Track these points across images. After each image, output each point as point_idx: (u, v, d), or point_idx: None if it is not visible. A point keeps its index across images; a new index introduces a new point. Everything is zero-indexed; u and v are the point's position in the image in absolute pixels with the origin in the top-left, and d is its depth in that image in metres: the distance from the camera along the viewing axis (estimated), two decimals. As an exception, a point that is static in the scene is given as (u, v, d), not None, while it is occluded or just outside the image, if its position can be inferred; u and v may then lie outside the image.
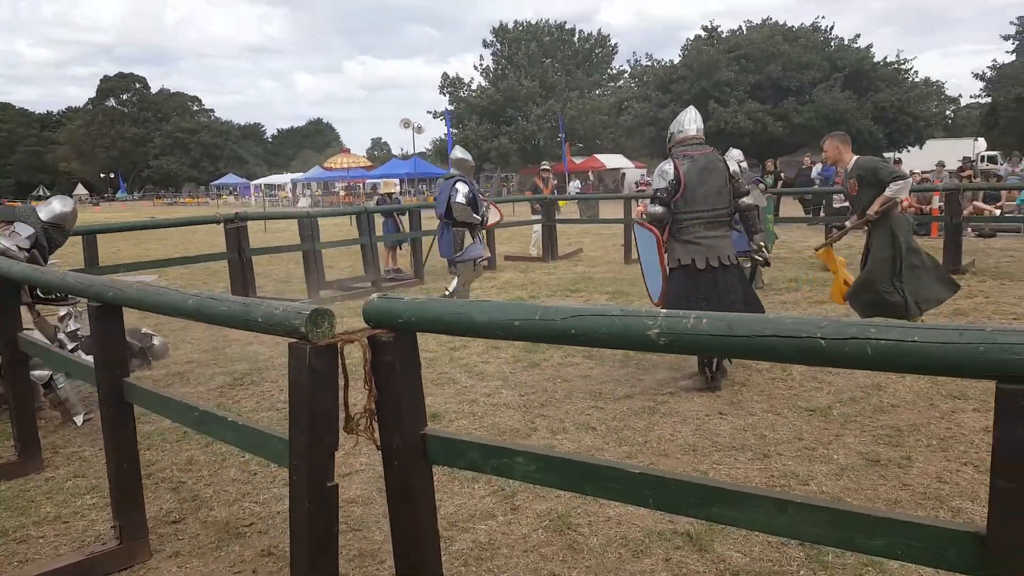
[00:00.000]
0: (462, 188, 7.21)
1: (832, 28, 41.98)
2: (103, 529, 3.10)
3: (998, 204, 15.41)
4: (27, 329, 4.18)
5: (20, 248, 4.58)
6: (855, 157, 5.63)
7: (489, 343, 6.24)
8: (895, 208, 5.44)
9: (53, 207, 5.05)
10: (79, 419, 4.53)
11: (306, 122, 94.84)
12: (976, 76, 42.76)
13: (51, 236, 4.92)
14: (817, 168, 17.55)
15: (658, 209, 4.94)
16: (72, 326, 5.11)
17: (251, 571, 2.79)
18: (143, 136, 77.33)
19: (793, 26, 41.81)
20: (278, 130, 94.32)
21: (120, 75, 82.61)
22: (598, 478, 1.78)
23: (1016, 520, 1.28)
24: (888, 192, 5.27)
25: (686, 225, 4.92)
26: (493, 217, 8.88)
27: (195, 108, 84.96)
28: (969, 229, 14.44)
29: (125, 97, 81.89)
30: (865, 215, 5.45)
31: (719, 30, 42.66)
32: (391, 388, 1.98)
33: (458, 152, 7.78)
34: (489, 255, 8.93)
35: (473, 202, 7.24)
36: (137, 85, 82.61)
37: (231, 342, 6.69)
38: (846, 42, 41.07)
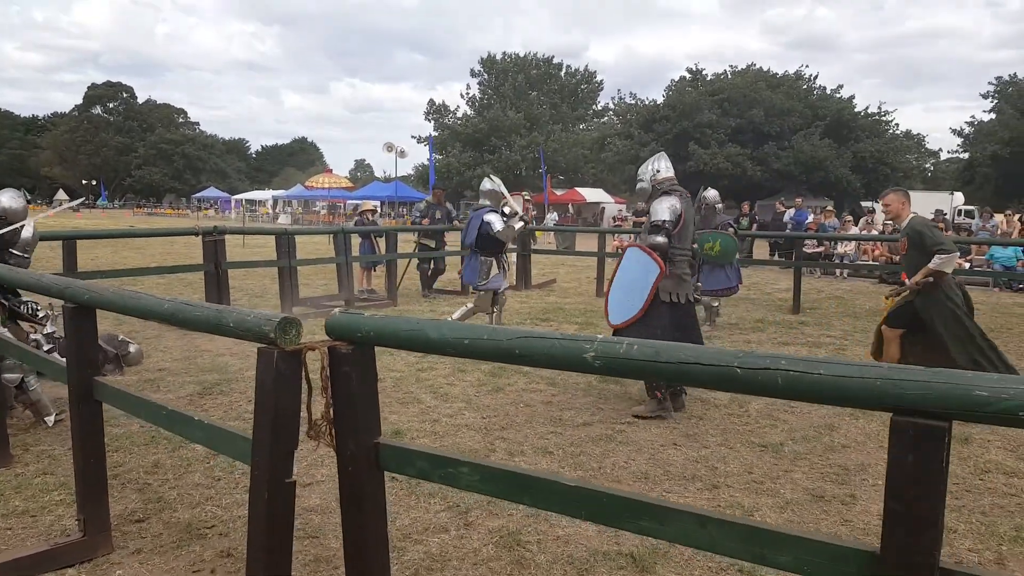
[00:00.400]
0: (495, 218, 7.46)
1: (816, 77, 43.16)
2: (69, 524, 3.16)
3: (968, 257, 15.92)
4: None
5: None
6: (912, 215, 5.62)
7: (456, 366, 6.35)
8: (942, 278, 5.40)
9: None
10: (50, 420, 4.56)
11: (291, 140, 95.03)
12: (954, 132, 44.13)
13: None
14: (790, 213, 17.99)
15: (664, 241, 5.14)
16: (49, 328, 5.14)
17: (210, 571, 2.86)
18: (127, 145, 76.88)
19: (777, 73, 42.96)
20: (262, 146, 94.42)
21: (107, 83, 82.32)
22: (536, 489, 1.90)
23: (904, 538, 1.43)
24: (932, 265, 5.30)
25: (677, 261, 5.19)
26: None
27: (180, 120, 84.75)
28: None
29: (111, 106, 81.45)
30: (912, 281, 5.48)
31: (703, 73, 43.69)
32: (348, 397, 2.10)
33: (487, 184, 8.04)
34: (510, 285, 8.99)
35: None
36: (124, 94, 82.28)
37: (202, 352, 6.73)
38: (828, 91, 42.22)
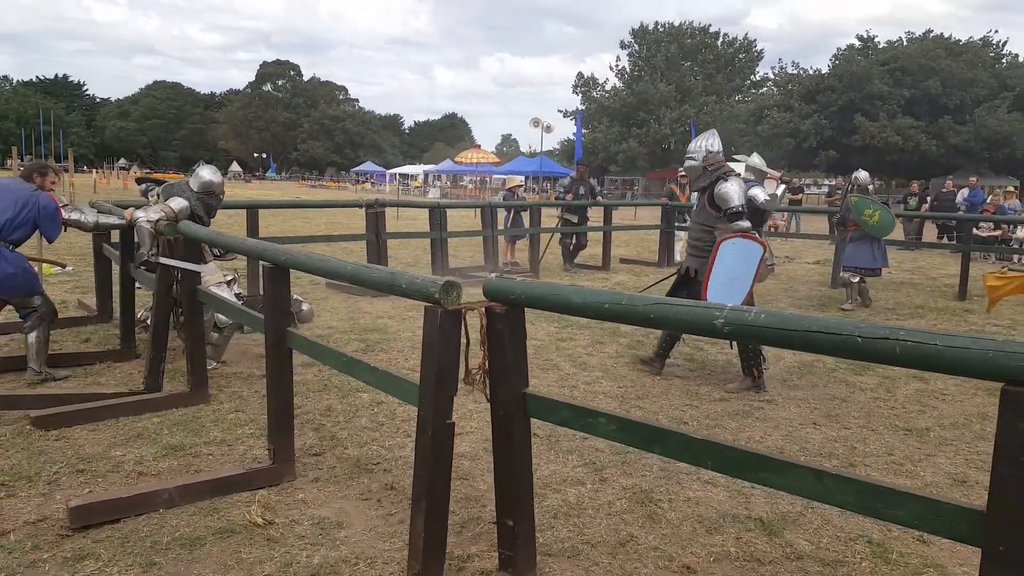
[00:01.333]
0: (759, 192, 7.84)
1: (1005, 43, 38.92)
2: (259, 453, 3.73)
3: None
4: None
5: (168, 215, 5.20)
6: None
7: (595, 338, 6.59)
8: None
9: (202, 176, 5.66)
10: (212, 363, 5.17)
11: (441, 116, 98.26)
12: None
13: (206, 203, 5.64)
14: (963, 193, 16.53)
15: (748, 224, 5.23)
16: (236, 289, 5.92)
17: (376, 500, 3.31)
18: (293, 121, 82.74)
19: (960, 39, 39.05)
20: (415, 122, 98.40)
21: (277, 62, 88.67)
22: (667, 440, 2.12)
23: (1011, 500, 1.52)
24: None
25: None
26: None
27: (341, 97, 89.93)
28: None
29: (280, 83, 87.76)
30: None
31: (875, 40, 40.54)
32: (501, 352, 2.41)
33: (754, 159, 8.39)
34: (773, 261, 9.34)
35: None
36: (292, 72, 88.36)
37: (364, 314, 7.41)
38: (1021, 59, 37.88)
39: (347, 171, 73.74)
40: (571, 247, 11.62)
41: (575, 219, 11.56)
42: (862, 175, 8.98)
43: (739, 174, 5.50)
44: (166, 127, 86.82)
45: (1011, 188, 19.44)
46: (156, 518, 3.08)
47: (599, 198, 12.02)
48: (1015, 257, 14.48)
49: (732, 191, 5.20)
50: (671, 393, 5.06)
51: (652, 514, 3.22)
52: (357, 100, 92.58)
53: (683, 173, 14.68)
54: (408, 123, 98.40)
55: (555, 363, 5.77)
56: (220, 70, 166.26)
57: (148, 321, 5.41)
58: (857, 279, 8.69)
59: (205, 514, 3.14)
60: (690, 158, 5.55)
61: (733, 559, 2.87)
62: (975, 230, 14.98)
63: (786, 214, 19.27)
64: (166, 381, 4.78)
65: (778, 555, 2.90)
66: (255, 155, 79.85)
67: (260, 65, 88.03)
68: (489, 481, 3.48)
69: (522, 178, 19.42)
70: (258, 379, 5.13)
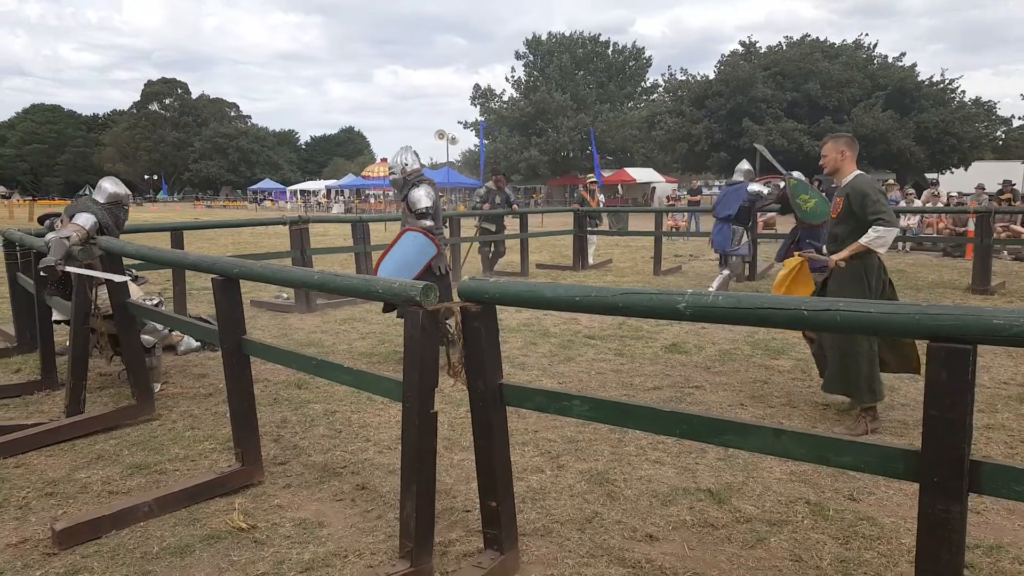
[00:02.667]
0: (760, 187, 8.52)
1: (875, 46, 41.95)
2: (225, 466, 3.74)
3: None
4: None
5: (80, 235, 4.98)
6: (856, 173, 4.53)
7: (528, 340, 6.84)
8: (870, 256, 4.35)
9: (106, 189, 5.53)
10: (156, 387, 5.10)
11: (338, 130, 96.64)
12: (995, 102, 42.38)
13: (115, 214, 5.48)
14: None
15: (432, 223, 5.94)
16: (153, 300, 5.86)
17: (351, 500, 3.41)
18: (183, 140, 79.56)
19: (834, 43, 41.88)
20: (311, 137, 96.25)
21: (163, 80, 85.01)
22: (637, 416, 2.36)
23: (940, 439, 1.84)
24: (864, 240, 4.26)
25: (438, 238, 6.00)
26: None
27: (232, 114, 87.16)
28: (1005, 252, 14.70)
29: (167, 102, 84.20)
30: (836, 257, 4.41)
31: (756, 45, 42.91)
32: (477, 347, 2.60)
33: (745, 165, 9.32)
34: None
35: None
36: (179, 90, 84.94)
37: (296, 330, 7.41)
38: (890, 60, 41.00)
39: (243, 189, 71.50)
40: (490, 255, 11.86)
41: (493, 228, 11.81)
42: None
43: (431, 182, 6.13)
44: (47, 152, 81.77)
45: (890, 181, 21.17)
46: (139, 531, 3.11)
47: (515, 206, 12.31)
48: (899, 244, 15.83)
49: (421, 195, 5.95)
50: (607, 386, 5.35)
51: (611, 493, 3.46)
52: (249, 116, 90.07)
53: (592, 179, 15.25)
54: (304, 138, 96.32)
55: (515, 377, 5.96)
56: (99, 91, 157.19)
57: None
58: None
59: (187, 524, 3.18)
60: (392, 172, 6.23)
61: (689, 526, 3.15)
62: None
63: (686, 214, 20.25)
64: (111, 400, 4.71)
65: (729, 520, 3.20)
66: (145, 177, 76.16)
67: (144, 84, 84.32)
68: (455, 475, 3.66)
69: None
70: (205, 397, 5.09)
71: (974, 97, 40.11)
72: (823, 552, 2.90)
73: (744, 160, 9.42)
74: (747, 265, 10.93)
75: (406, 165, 6.12)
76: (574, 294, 2.40)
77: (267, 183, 65.97)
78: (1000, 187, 17.94)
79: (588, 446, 4.07)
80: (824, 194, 8.50)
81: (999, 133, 47.71)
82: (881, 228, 4.23)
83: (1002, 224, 15.38)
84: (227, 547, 2.99)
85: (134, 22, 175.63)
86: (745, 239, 9.39)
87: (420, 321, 2.52)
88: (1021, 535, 3.06)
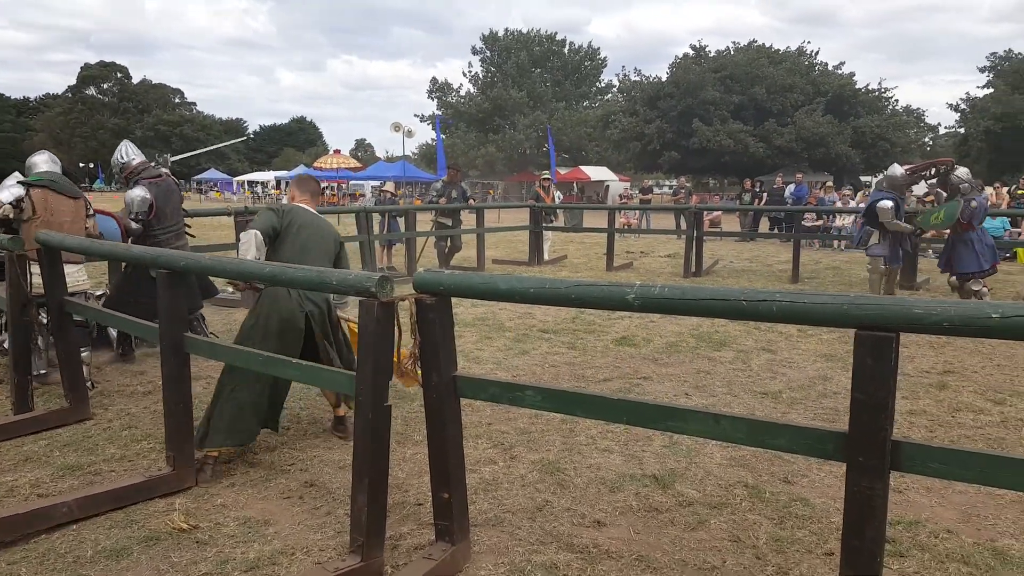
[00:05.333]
0: (888, 206, 8.38)
1: (817, 53, 43.21)
2: (163, 466, 3.68)
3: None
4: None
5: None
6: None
7: (483, 334, 6.89)
8: None
9: (37, 164, 5.30)
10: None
11: (289, 120, 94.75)
12: (950, 107, 44.25)
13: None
14: (790, 189, 18.41)
15: (137, 227, 5.62)
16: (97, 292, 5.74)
17: (299, 497, 3.41)
18: (123, 127, 76.37)
19: (779, 49, 43.01)
20: (260, 126, 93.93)
21: (101, 63, 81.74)
22: (586, 404, 2.44)
23: (865, 421, 1.96)
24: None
25: (162, 240, 5.67)
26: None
27: (176, 100, 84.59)
28: (931, 251, 15.37)
29: (106, 86, 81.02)
30: None
31: (706, 49, 43.76)
32: (432, 339, 2.64)
33: (895, 169, 9.09)
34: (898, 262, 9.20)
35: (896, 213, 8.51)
36: (118, 75, 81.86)
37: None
38: (830, 67, 42.32)
39: (187, 179, 69.64)
40: (446, 250, 11.86)
41: (449, 222, 11.82)
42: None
43: (156, 178, 5.75)
44: (-30, 136, 77.96)
45: (829, 183, 21.84)
46: (72, 535, 3.03)
47: (470, 201, 12.34)
48: (834, 243, 16.39)
49: (133, 196, 5.56)
50: (560, 378, 5.45)
51: (561, 481, 3.55)
52: (194, 104, 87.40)
53: (546, 176, 15.40)
54: (253, 127, 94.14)
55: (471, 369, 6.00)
56: (30, 72, 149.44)
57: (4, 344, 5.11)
58: (980, 287, 8.42)
59: (123, 526, 3.11)
60: (115, 171, 5.91)
61: (635, 511, 3.25)
62: (801, 221, 16.75)
63: (638, 212, 20.58)
64: (42, 402, 4.57)
65: (672, 504, 3.32)
66: (80, 165, 73.31)
67: (82, 67, 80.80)
68: (407, 469, 3.69)
69: (393, 183, 19.42)
70: (143, 395, 5.00)
71: (905, 105, 41.86)
72: (759, 532, 3.04)
73: (895, 164, 9.33)
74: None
75: (125, 163, 5.74)
76: (528, 286, 2.46)
77: (212, 173, 64.30)
78: (926, 190, 18.67)
79: (540, 437, 4.15)
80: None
81: (927, 139, 49.70)
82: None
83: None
84: (167, 548, 2.93)
85: (71, 1, 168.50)
86: (875, 240, 8.68)
87: (374, 313, 2.55)
88: (938, 511, 3.26)
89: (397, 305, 2.61)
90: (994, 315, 1.80)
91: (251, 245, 3.64)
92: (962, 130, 44.46)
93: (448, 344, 2.66)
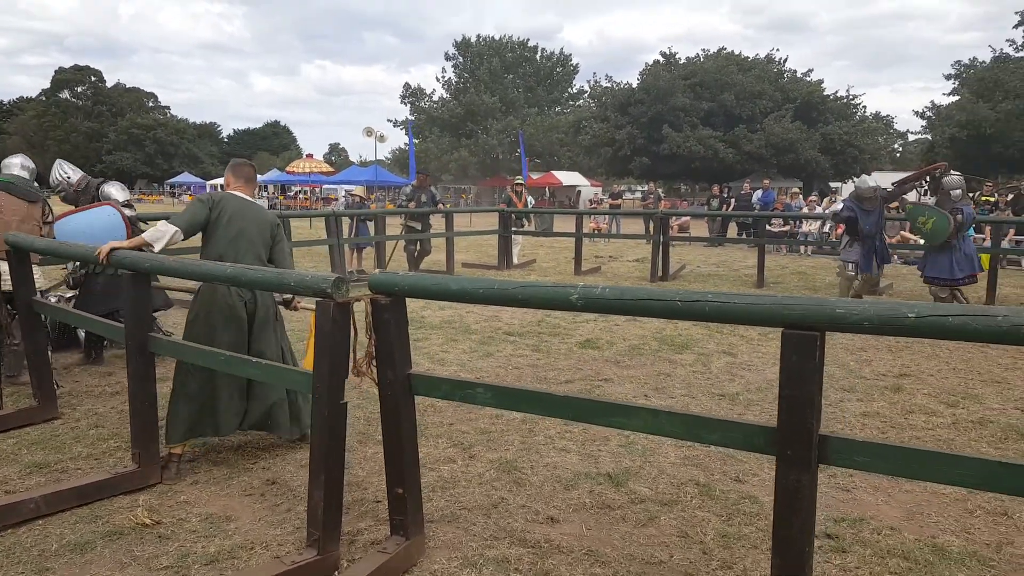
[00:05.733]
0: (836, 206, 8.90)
1: (786, 60, 43.97)
2: (121, 469, 3.70)
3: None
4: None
5: None
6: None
7: (449, 337, 6.96)
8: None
9: (11, 165, 5.40)
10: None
11: (263, 124, 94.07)
12: (916, 113, 45.21)
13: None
14: (758, 194, 18.73)
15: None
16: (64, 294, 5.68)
17: (260, 494, 3.45)
18: (97, 131, 75.63)
19: (748, 56, 43.70)
20: (234, 131, 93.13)
21: (75, 67, 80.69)
22: (535, 400, 2.53)
23: (793, 416, 2.07)
24: None
25: None
26: None
27: (151, 104, 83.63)
28: (896, 256, 15.75)
29: (80, 90, 79.93)
30: None
31: (676, 56, 44.30)
32: (387, 338, 2.71)
33: (863, 181, 9.21)
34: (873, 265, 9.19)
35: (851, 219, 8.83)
36: (92, 78, 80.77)
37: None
38: (799, 75, 43.08)
39: (160, 183, 68.72)
40: (416, 253, 11.91)
41: (419, 226, 11.87)
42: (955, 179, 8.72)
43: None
44: (-58, 140, 76.16)
45: (796, 189, 22.26)
46: (38, 529, 3.06)
47: (439, 205, 12.40)
48: (801, 248, 16.72)
49: (115, 190, 5.91)
50: (523, 380, 5.53)
51: (517, 480, 3.63)
52: (168, 108, 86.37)
53: (519, 181, 15.53)
54: (227, 131, 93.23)
55: (414, 360, 6.04)
56: (3, 76, 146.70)
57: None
58: (946, 294, 8.36)
59: (88, 521, 3.15)
60: (60, 190, 6.07)
61: (588, 508, 3.35)
62: (768, 226, 17.08)
63: (607, 217, 20.77)
64: (11, 401, 4.57)
65: (625, 501, 3.42)
66: (53, 169, 71.92)
67: (55, 71, 79.62)
68: (367, 468, 3.75)
69: (364, 188, 19.42)
70: (110, 395, 5.00)
71: (874, 112, 42.70)
72: (707, 528, 3.14)
73: (864, 175, 9.50)
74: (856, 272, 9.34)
75: (68, 178, 5.98)
76: (478, 287, 2.54)
77: (185, 176, 63.59)
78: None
79: (500, 437, 4.23)
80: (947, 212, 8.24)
81: (896, 146, 50.83)
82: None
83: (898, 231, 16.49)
84: (129, 543, 2.98)
85: (45, 4, 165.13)
86: (844, 245, 9.10)
87: (331, 313, 2.61)
88: (883, 510, 3.39)
89: (353, 306, 2.67)
90: (910, 315, 1.92)
91: (164, 237, 3.57)
92: (928, 137, 45.47)
93: (403, 343, 2.74)
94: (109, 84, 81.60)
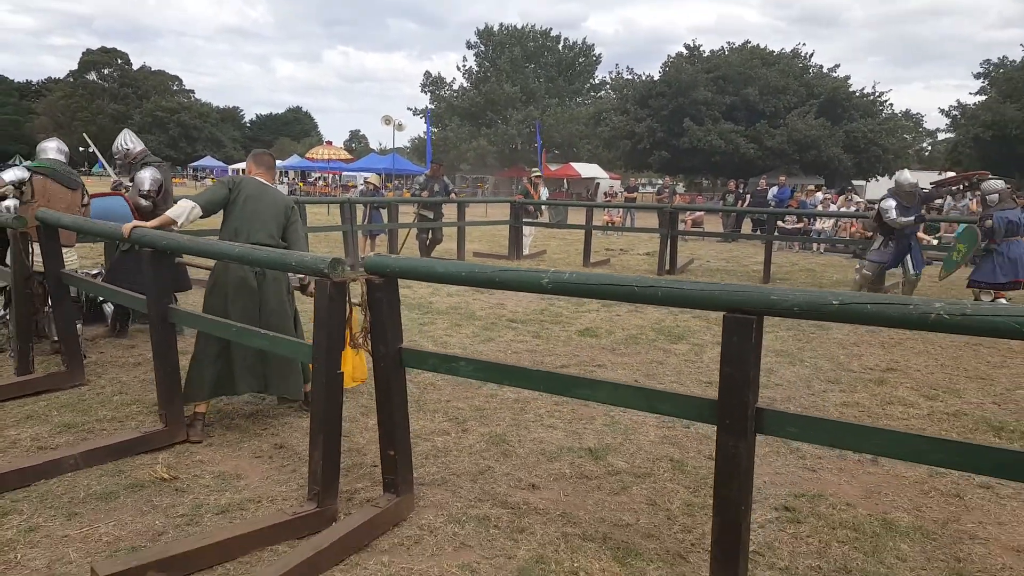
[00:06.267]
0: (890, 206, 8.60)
1: (812, 55, 43.55)
2: (150, 428, 4.05)
3: (938, 234, 16.79)
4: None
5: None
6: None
7: (454, 323, 7.26)
8: None
9: (47, 149, 5.77)
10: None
11: (285, 109, 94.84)
12: (942, 112, 44.73)
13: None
14: (773, 191, 18.81)
15: (148, 204, 5.89)
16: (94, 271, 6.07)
17: (268, 457, 3.78)
18: (122, 112, 76.66)
19: (773, 51, 43.39)
20: (256, 115, 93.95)
21: (103, 49, 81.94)
22: (512, 374, 2.81)
23: (732, 390, 2.32)
24: None
25: None
26: None
27: (175, 88, 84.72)
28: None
29: (106, 72, 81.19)
30: None
31: (700, 49, 44.10)
32: (380, 315, 2.99)
33: (902, 176, 9.01)
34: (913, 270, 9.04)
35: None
36: (119, 61, 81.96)
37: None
38: (824, 70, 42.72)
39: (183, 166, 69.71)
40: (427, 242, 12.21)
41: (431, 215, 12.17)
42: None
43: (160, 164, 6.20)
44: (-27, 118, 77.83)
45: (812, 186, 22.27)
46: (67, 480, 3.40)
47: (452, 195, 12.69)
48: (814, 245, 16.82)
49: (145, 176, 5.98)
50: (520, 363, 5.81)
51: (505, 451, 3.92)
52: (192, 91, 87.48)
53: (536, 172, 15.78)
54: (249, 116, 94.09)
55: (418, 344, 6.35)
56: (32, 56, 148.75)
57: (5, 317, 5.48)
58: (990, 299, 8.27)
59: (112, 475, 3.49)
60: (117, 159, 6.34)
61: (567, 478, 3.63)
62: (781, 223, 17.19)
63: (621, 210, 20.95)
64: (42, 368, 4.96)
65: (602, 472, 3.69)
66: (80, 149, 73.29)
67: (83, 52, 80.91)
68: (367, 437, 4.06)
69: (378, 176, 19.77)
70: (133, 366, 5.35)
71: (904, 109, 42.15)
72: (675, 498, 3.41)
73: (906, 170, 9.18)
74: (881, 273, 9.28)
75: (128, 150, 6.20)
76: (461, 270, 2.83)
77: (208, 160, 64.44)
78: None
79: (493, 414, 4.52)
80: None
81: (926, 144, 50.25)
82: None
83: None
84: (149, 494, 3.32)
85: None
86: (877, 246, 8.88)
87: (328, 291, 2.90)
88: (843, 488, 3.64)
89: (349, 284, 2.96)
90: (834, 302, 2.17)
91: (185, 213, 3.95)
92: (952, 136, 44.98)
93: (395, 320, 3.02)
94: (135, 67, 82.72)
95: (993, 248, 8.40)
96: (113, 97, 78.25)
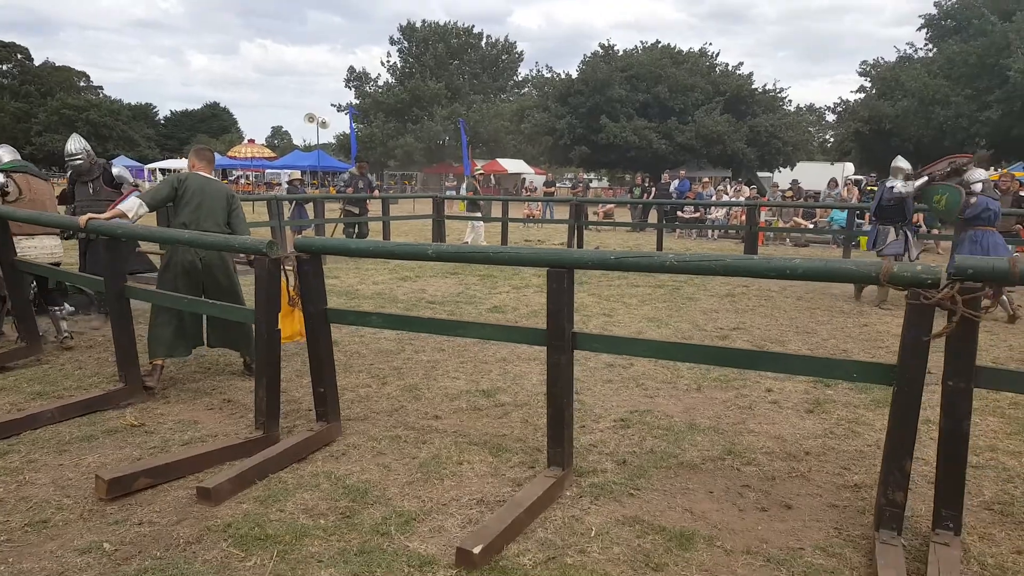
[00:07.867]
0: (897, 183, 8.73)
1: (718, 54, 46.06)
2: (111, 388, 4.84)
3: (815, 219, 18.62)
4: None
5: None
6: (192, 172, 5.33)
7: (378, 305, 8.15)
8: None
9: None
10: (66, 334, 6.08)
11: (202, 105, 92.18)
12: (828, 108, 47.91)
13: None
14: (674, 184, 20.34)
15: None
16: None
17: (219, 408, 4.65)
18: (25, 111, 73.40)
19: (682, 50, 45.64)
20: (171, 112, 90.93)
21: (0, 44, 78.14)
22: (416, 323, 3.80)
23: (555, 321, 3.37)
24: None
25: None
26: None
27: (82, 84, 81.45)
28: (788, 239, 17.59)
29: (5, 68, 77.35)
30: None
31: (614, 48, 45.95)
32: (308, 283, 3.93)
33: (899, 161, 9.20)
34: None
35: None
36: (19, 56, 78.26)
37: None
38: (729, 68, 45.21)
39: (97, 167, 67.23)
40: (354, 236, 13.03)
41: (356, 211, 12.99)
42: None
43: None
44: None
45: (706, 179, 24.01)
46: (50, 430, 4.19)
47: (376, 191, 13.53)
48: (709, 232, 18.38)
49: (127, 172, 6.90)
50: (433, 338, 6.79)
51: (416, 396, 4.91)
52: (101, 88, 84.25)
53: (480, 170, 16.83)
54: (163, 113, 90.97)
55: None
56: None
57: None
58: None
59: (89, 425, 4.30)
60: (77, 158, 6.99)
61: (464, 410, 4.64)
62: (680, 213, 18.71)
63: (541, 204, 22.15)
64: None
65: (491, 405, 4.72)
66: (-22, 151, 69.76)
67: (-23, 47, 76.98)
68: (303, 392, 4.96)
69: (300, 172, 20.34)
70: (86, 348, 6.07)
71: (808, 103, 44.96)
72: (541, 421, 4.46)
73: (899, 156, 9.37)
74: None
75: (88, 152, 6.86)
76: (368, 246, 3.80)
77: (122, 160, 62.35)
78: (789, 186, 21.02)
79: (408, 372, 5.49)
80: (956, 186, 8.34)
81: (828, 136, 53.51)
82: None
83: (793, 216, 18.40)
84: (124, 436, 4.14)
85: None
86: (892, 237, 8.89)
87: (266, 266, 3.82)
88: (668, 405, 4.74)
89: (283, 260, 3.88)
90: (612, 257, 3.24)
91: (133, 209, 4.74)
92: (840, 130, 48.18)
93: (319, 287, 3.96)
94: (37, 62, 79.06)
95: (974, 236, 8.28)
96: (14, 95, 74.54)
